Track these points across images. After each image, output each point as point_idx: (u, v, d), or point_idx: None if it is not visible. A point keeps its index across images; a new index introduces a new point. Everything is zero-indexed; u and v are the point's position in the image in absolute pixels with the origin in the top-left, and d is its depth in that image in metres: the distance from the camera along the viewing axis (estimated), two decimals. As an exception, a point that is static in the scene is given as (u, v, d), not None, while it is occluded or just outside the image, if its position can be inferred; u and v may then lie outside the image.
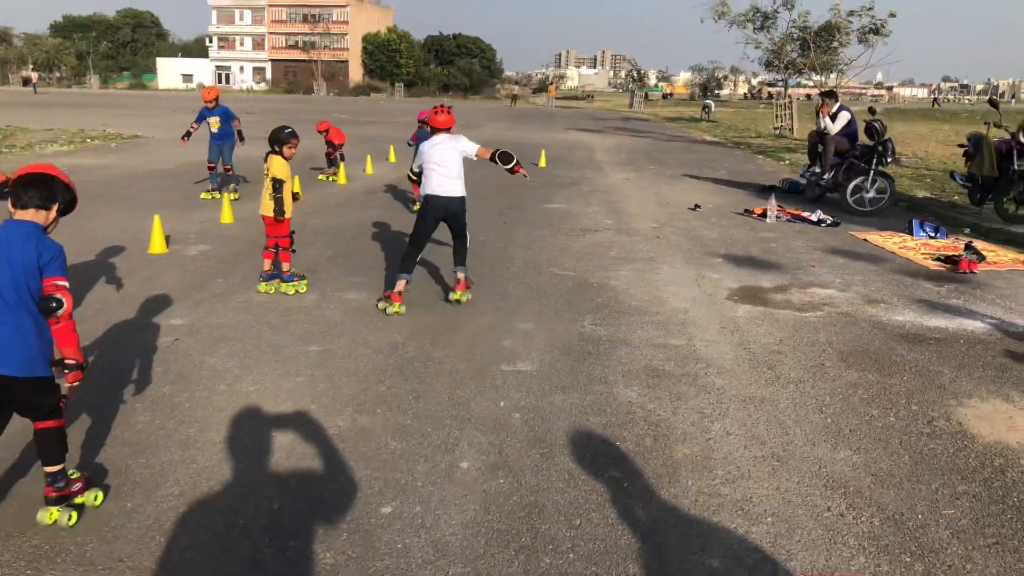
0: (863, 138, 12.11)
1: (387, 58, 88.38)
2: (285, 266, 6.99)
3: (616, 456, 4.03)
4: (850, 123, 12.27)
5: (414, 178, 7.27)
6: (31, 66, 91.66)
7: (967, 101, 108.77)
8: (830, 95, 12.71)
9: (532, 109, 60.10)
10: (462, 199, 6.66)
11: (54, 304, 3.17)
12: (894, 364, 5.37)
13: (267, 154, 6.74)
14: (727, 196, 13.62)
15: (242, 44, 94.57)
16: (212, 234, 9.40)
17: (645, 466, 3.92)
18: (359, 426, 4.32)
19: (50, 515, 3.34)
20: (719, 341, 5.85)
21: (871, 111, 12.36)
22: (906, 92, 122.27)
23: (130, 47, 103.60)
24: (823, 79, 30.50)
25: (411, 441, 4.16)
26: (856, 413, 4.57)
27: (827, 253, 8.95)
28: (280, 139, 6.69)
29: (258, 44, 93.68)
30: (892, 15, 27.79)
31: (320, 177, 14.45)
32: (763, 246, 9.29)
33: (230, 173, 12.30)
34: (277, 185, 6.62)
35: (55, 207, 3.38)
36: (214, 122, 11.82)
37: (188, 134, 12.19)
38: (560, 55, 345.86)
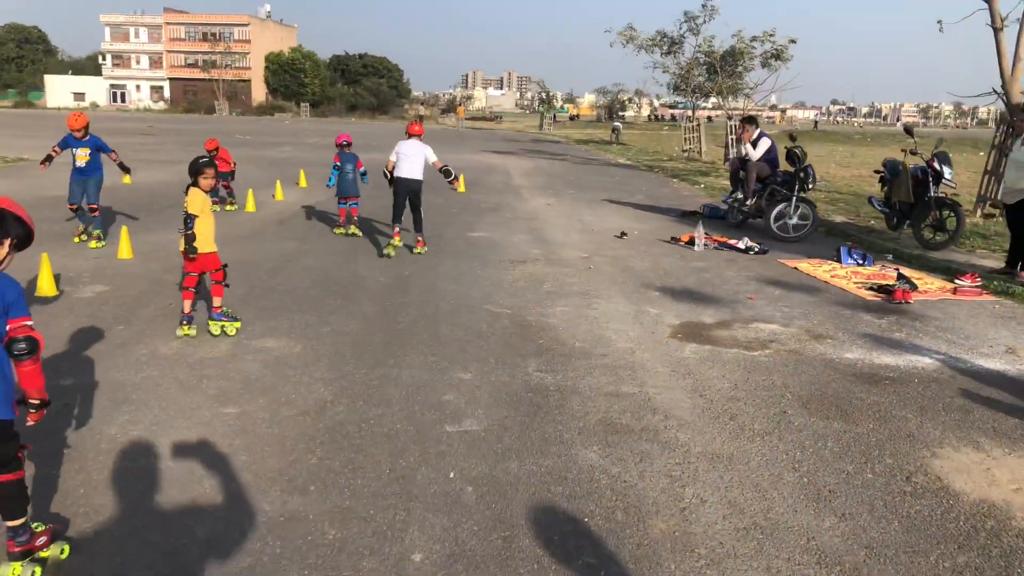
0: (784, 164, 12.19)
1: (291, 77, 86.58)
2: (217, 301, 6.44)
3: (587, 536, 3.59)
4: (770, 149, 12.34)
5: (388, 174, 10.02)
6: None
7: (856, 124, 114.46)
8: (750, 121, 12.77)
9: (442, 130, 59.73)
10: (420, 181, 9.92)
11: (26, 346, 3.02)
12: (856, 410, 5.14)
13: (188, 187, 6.22)
14: (650, 222, 13.51)
15: (138, 62, 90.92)
16: (109, 272, 8.55)
17: (620, 547, 3.50)
18: (290, 511, 3.75)
19: (12, 571, 3.18)
20: (672, 387, 5.51)
21: (792, 137, 12.48)
22: (799, 114, 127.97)
23: (15, 63, 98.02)
24: (727, 102, 31.30)
25: (352, 528, 3.61)
26: (832, 470, 4.28)
27: (762, 283, 8.82)
28: (194, 169, 6.18)
29: (155, 62, 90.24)
30: (792, 41, 28.82)
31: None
32: (697, 277, 9.10)
33: (95, 215, 10.20)
34: (189, 220, 6.10)
35: (7, 242, 3.12)
36: (81, 155, 9.90)
37: (49, 159, 10.13)
38: (467, 75, 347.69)
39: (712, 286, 8.65)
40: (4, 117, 54.15)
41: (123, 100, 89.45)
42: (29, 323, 3.08)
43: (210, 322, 6.43)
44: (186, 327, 6.37)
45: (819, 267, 9.67)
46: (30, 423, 3.21)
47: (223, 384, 5.36)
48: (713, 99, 33.16)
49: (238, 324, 6.53)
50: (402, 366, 5.80)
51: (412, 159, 9.74)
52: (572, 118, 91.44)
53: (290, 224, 12.27)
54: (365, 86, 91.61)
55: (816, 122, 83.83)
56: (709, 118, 61.97)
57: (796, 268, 9.66)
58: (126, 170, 10.87)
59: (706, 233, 11.01)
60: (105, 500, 3.80)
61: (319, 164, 21.27)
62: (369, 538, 3.53)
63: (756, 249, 10.61)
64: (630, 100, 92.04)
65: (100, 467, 4.14)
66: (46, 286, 7.55)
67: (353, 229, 11.36)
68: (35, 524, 3.34)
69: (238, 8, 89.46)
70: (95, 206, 10.21)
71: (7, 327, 3.04)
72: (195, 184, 6.19)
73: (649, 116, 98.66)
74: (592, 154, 33.72)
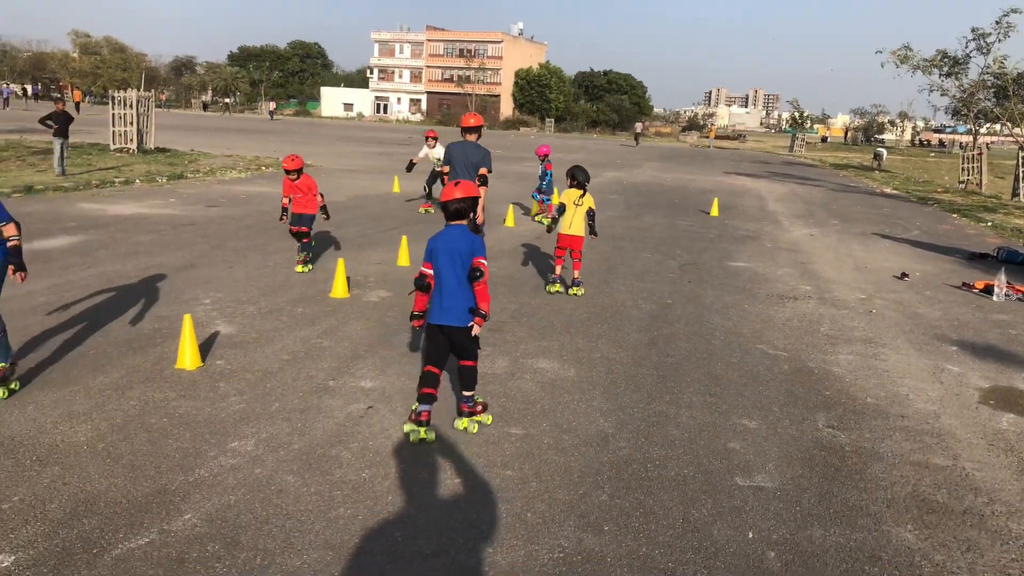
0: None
1: (537, 93, 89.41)
2: (576, 273, 8.86)
3: (918, 634, 3.20)
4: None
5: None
6: (210, 91, 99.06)
7: None
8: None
9: (684, 149, 58.82)
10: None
11: (479, 273, 4.72)
12: None
13: (581, 189, 8.54)
14: (932, 263, 12.26)
15: (400, 76, 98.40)
16: (390, 278, 9.16)
17: (962, 656, 3.07)
18: (586, 549, 3.69)
19: (462, 423, 5.00)
20: (993, 464, 4.86)
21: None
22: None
23: (298, 76, 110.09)
24: (1020, 130, 27.86)
25: (652, 580, 3.48)
26: None
27: (1085, 347, 7.64)
28: (588, 177, 8.72)
29: (415, 76, 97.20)
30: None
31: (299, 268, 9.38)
32: (1000, 332, 8.06)
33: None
34: (592, 213, 8.68)
35: (471, 215, 4.96)
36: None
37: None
38: (710, 92, 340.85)
39: (1021, 344, 7.62)
40: (288, 125, 60.81)
41: (385, 111, 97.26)
42: (483, 261, 4.73)
43: (572, 289, 8.72)
44: (556, 285, 8.83)
45: None
46: (475, 331, 4.82)
47: (505, 403, 5.48)
48: (993, 125, 29.72)
49: (583, 292, 8.79)
50: (679, 404, 5.61)
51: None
52: (823, 139, 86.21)
53: (547, 241, 12.48)
54: (607, 102, 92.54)
55: None
56: (987, 145, 55.84)
57: None
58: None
59: (1008, 282, 9.76)
60: (411, 512, 3.96)
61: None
62: (671, 595, 3.38)
63: (1071, 305, 9.23)
64: (891, 123, 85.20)
65: (407, 479, 4.33)
66: (340, 288, 8.21)
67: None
68: (477, 397, 5.13)
69: (493, 26, 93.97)
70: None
71: (472, 263, 4.73)
72: (572, 185, 8.59)
73: (912, 141, 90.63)
74: (852, 181, 31.47)
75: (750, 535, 3.89)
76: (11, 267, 5.26)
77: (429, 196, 14.99)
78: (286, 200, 9.29)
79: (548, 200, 14.49)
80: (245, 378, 5.71)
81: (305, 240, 9.25)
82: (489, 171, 8.15)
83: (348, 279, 8.54)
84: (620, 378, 6.12)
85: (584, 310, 8.17)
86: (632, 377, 6.16)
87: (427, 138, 15.17)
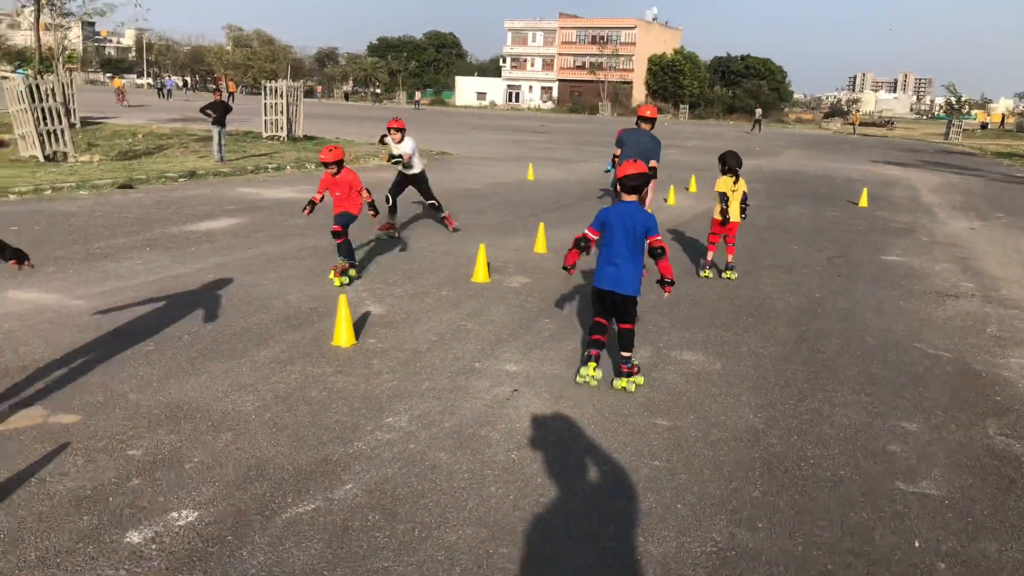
0: None
1: (671, 79, 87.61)
2: (730, 257, 8.93)
3: (1114, 664, 2.95)
4: None
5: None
6: (351, 81, 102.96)
7: None
8: None
9: (827, 136, 56.15)
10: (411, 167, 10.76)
11: (660, 251, 5.32)
12: None
13: (734, 175, 8.60)
14: (1115, 261, 11.18)
15: (532, 64, 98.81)
16: (529, 265, 9.25)
17: None
18: (739, 545, 3.61)
19: (622, 383, 5.44)
20: None
21: None
22: None
23: (433, 66, 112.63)
24: None
25: (811, 582, 3.37)
26: None
27: None
28: (722, 160, 8.68)
29: (547, 64, 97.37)
30: None
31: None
32: None
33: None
34: (745, 198, 8.79)
35: (646, 190, 5.66)
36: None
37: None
38: (854, 77, 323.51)
39: None
40: (426, 114, 62.32)
41: (517, 100, 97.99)
42: (660, 239, 5.30)
43: (726, 271, 8.94)
44: (708, 271, 8.99)
45: None
46: (666, 295, 5.52)
47: (648, 393, 5.43)
48: None
49: (736, 276, 8.94)
50: (833, 403, 5.39)
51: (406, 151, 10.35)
52: (982, 126, 79.93)
53: (688, 228, 12.25)
54: (744, 88, 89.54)
55: None
56: None
57: None
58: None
59: None
60: (559, 495, 3.99)
61: (707, 169, 21.15)
62: (832, 598, 3.27)
63: None
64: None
65: (554, 463, 4.38)
66: (481, 273, 8.36)
67: None
68: (634, 360, 5.55)
69: (626, 12, 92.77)
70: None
71: (647, 240, 5.28)
72: (725, 172, 8.64)
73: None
74: (1019, 170, 29.07)
75: (916, 544, 3.69)
76: (12, 261, 4.52)
77: (393, 211, 10.58)
78: (318, 196, 8.29)
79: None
80: (396, 356, 5.93)
81: (340, 241, 8.12)
82: (658, 161, 9.07)
83: (488, 264, 8.68)
84: (769, 373, 5.93)
85: (728, 302, 7.97)
86: (781, 373, 5.96)
87: (389, 129, 10.27)
